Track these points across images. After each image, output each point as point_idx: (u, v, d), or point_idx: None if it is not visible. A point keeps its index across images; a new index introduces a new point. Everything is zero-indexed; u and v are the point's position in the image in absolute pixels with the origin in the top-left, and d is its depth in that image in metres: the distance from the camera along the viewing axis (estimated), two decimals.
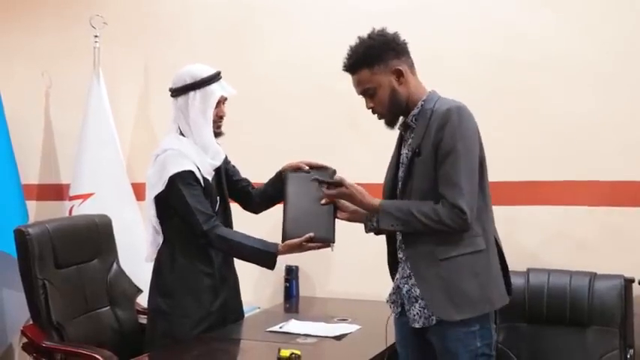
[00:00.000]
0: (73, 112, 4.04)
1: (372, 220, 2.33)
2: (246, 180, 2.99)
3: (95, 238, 3.14)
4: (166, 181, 2.62)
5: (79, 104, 3.95)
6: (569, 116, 3.13)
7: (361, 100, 3.36)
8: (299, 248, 2.52)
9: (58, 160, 4.32)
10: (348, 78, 3.42)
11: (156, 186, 2.66)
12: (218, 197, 2.79)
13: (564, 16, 3.16)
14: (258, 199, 2.96)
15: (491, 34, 3.26)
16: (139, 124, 4.06)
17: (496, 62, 3.24)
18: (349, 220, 2.42)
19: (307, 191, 2.42)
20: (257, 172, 3.15)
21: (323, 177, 2.39)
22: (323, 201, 2.38)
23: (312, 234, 2.45)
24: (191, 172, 2.63)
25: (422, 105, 2.20)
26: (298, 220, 2.44)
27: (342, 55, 3.44)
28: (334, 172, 2.44)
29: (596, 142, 3.10)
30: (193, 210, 2.61)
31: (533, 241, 3.14)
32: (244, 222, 2.94)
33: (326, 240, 2.45)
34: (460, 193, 2.06)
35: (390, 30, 2.24)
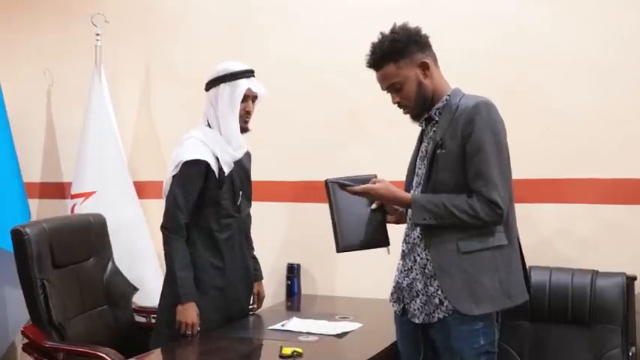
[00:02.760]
0: (75, 110, 4.05)
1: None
2: None
3: (90, 238, 3.13)
4: (179, 165, 2.73)
5: (81, 102, 3.95)
6: (569, 113, 3.12)
7: (363, 99, 3.38)
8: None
9: (60, 158, 4.32)
10: (350, 77, 3.45)
11: (171, 168, 2.77)
12: (241, 192, 2.86)
13: (564, 11, 3.15)
14: None
15: (490, 30, 3.25)
16: (141, 122, 4.06)
17: (495, 59, 3.22)
18: (397, 222, 2.40)
19: (353, 197, 2.39)
20: (257, 171, 3.15)
21: (364, 181, 2.37)
22: (374, 205, 2.37)
23: None
24: (203, 163, 2.72)
25: (447, 99, 2.21)
26: (350, 228, 2.36)
27: (343, 53, 3.48)
28: (375, 176, 2.44)
29: (597, 139, 3.09)
30: (176, 204, 2.71)
31: (535, 239, 3.12)
32: (262, 222, 2.96)
33: (383, 245, 2.42)
34: (495, 187, 2.07)
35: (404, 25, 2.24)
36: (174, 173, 2.74)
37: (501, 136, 2.15)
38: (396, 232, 2.41)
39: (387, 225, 2.41)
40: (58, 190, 4.29)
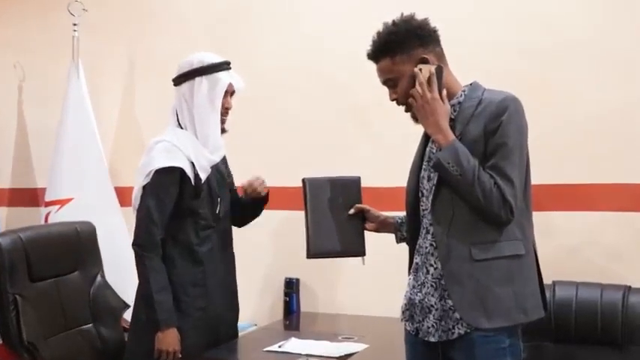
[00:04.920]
0: (50, 108, 4.06)
1: (401, 230, 2.38)
2: (237, 193, 3.03)
3: (76, 248, 3.14)
4: (151, 174, 2.69)
5: (57, 100, 3.96)
6: (599, 111, 3.14)
7: (370, 96, 3.38)
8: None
9: (33, 161, 4.34)
10: (354, 72, 3.45)
11: (141, 178, 2.73)
12: (219, 199, 2.83)
13: None
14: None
15: (511, 20, 3.28)
16: (123, 122, 4.08)
17: (517, 52, 3.25)
18: (377, 230, 2.45)
19: (330, 199, 2.42)
20: (254, 174, 3.16)
21: (346, 182, 2.42)
22: (352, 210, 2.40)
23: None
24: (177, 169, 2.68)
25: (464, 94, 2.23)
26: (324, 233, 2.41)
27: (347, 46, 3.48)
28: (359, 178, 2.47)
29: (629, 140, 3.11)
30: (150, 218, 2.68)
31: (560, 251, 3.14)
32: (258, 232, 2.97)
33: (357, 254, 2.46)
34: (513, 189, 2.09)
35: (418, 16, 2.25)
36: (145, 183, 2.70)
37: (525, 136, 2.18)
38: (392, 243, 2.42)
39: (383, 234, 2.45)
40: (30, 197, 4.30)
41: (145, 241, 2.69)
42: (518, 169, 2.13)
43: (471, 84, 2.26)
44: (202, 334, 2.78)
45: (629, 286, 2.90)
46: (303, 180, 2.45)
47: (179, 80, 2.80)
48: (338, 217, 2.43)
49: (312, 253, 2.44)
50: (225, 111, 2.79)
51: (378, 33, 2.25)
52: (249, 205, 2.97)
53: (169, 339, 2.66)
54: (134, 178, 3.91)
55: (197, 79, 2.74)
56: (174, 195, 2.71)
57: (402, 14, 2.25)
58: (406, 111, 2.27)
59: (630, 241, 3.10)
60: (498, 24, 3.30)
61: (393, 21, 2.25)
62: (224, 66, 2.78)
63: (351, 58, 3.18)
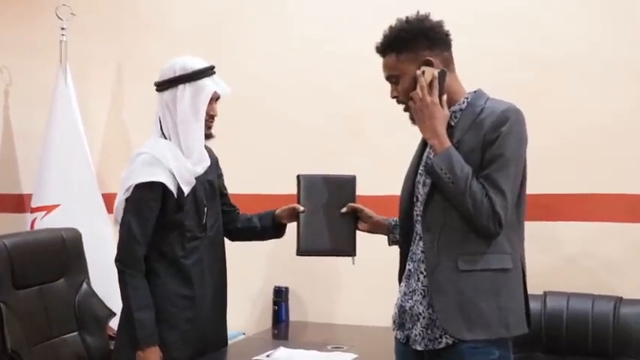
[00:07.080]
0: (37, 113, 4.05)
1: (394, 232, 2.38)
2: (228, 199, 2.99)
3: (62, 255, 3.14)
4: (131, 189, 2.67)
5: (44, 104, 3.95)
6: (598, 121, 3.15)
7: (364, 102, 3.40)
8: None
9: (19, 166, 4.32)
10: (349, 77, 3.47)
11: (122, 191, 2.71)
12: (206, 208, 2.79)
13: (589, 6, 3.20)
14: (239, 226, 2.96)
15: (508, 28, 3.29)
16: (111, 127, 4.07)
17: (513, 60, 3.26)
18: (370, 231, 2.48)
19: (324, 197, 2.45)
20: (241, 183, 3.16)
21: (341, 181, 2.45)
22: (344, 209, 2.41)
23: None
24: (159, 185, 2.64)
25: (467, 101, 2.24)
26: (315, 231, 2.45)
27: (342, 51, 3.50)
28: (354, 177, 2.49)
29: (625, 150, 3.12)
30: (131, 234, 2.65)
31: (551, 261, 3.15)
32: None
33: (346, 254, 2.48)
34: (504, 201, 2.10)
35: (433, 18, 2.28)
36: (127, 197, 2.68)
37: (524, 148, 2.18)
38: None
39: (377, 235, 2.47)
40: (15, 203, 4.28)
41: (127, 258, 2.66)
42: (512, 181, 2.13)
43: (475, 91, 2.27)
44: (190, 346, 2.76)
45: (621, 297, 2.91)
46: (298, 176, 2.48)
47: (161, 87, 2.74)
48: (331, 215, 2.46)
49: (301, 250, 2.48)
50: (210, 118, 2.74)
51: (390, 27, 2.27)
52: (269, 227, 2.89)
53: (151, 358, 2.64)
54: None
55: (180, 86, 2.67)
56: (155, 210, 2.67)
57: (418, 13, 2.27)
58: (405, 110, 2.28)
59: (624, 251, 3.11)
60: (499, 32, 3.30)
61: (407, 18, 2.26)
62: (208, 72, 2.71)
63: (347, 64, 3.21)
